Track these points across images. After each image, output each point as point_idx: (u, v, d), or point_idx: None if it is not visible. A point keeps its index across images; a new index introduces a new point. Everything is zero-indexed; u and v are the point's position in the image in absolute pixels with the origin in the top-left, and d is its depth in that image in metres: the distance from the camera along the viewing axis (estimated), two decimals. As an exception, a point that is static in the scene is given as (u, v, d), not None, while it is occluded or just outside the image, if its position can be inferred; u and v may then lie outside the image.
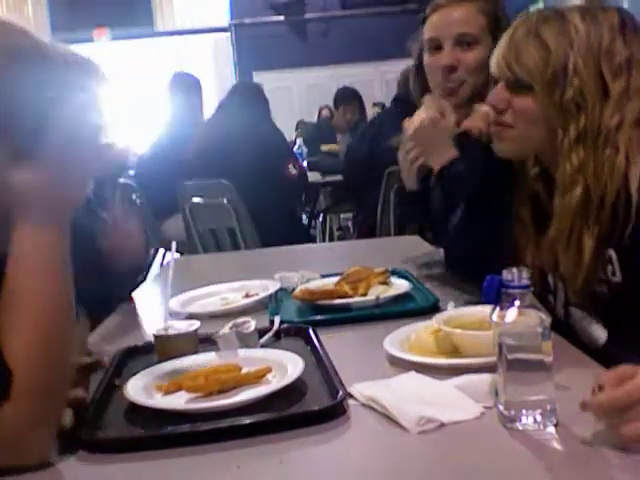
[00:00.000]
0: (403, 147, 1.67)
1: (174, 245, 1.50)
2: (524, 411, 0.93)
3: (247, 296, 1.74)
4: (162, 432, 1.00)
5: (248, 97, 3.81)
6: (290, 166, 3.79)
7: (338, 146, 5.89)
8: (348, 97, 6.09)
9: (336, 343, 1.35)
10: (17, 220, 0.95)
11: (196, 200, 3.68)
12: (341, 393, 1.04)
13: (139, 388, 1.11)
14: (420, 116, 1.63)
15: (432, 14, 1.78)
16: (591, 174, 1.20)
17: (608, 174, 1.19)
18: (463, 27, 1.71)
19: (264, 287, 1.76)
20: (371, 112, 6.92)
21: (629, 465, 0.83)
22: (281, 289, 1.79)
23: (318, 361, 1.20)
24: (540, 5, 6.01)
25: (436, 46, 1.75)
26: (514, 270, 0.94)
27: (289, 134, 5.77)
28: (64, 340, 0.95)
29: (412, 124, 1.63)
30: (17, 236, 0.94)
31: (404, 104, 3.66)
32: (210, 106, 4.31)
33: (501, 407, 0.95)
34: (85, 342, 1.30)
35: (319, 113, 7.82)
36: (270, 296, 1.69)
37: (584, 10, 1.25)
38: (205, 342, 1.33)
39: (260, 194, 3.49)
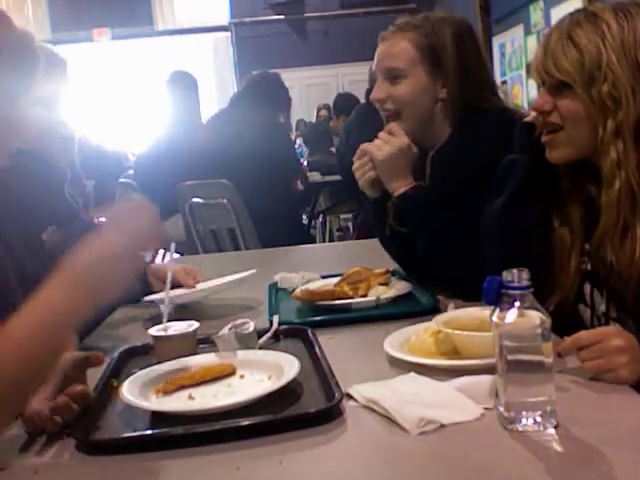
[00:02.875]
0: (358, 159, 1.70)
1: (173, 246, 1.49)
2: (524, 412, 0.93)
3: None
4: (160, 433, 0.99)
5: (263, 95, 3.70)
6: (298, 182, 3.82)
7: (335, 147, 5.89)
8: (350, 109, 6.04)
9: (336, 344, 1.35)
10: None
11: (196, 200, 3.67)
12: (337, 395, 1.03)
13: (136, 389, 1.10)
14: (391, 141, 1.66)
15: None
16: (632, 167, 1.23)
17: None
18: (390, 61, 1.71)
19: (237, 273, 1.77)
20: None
21: (629, 466, 0.83)
22: (281, 289, 1.79)
23: (316, 363, 1.20)
24: (540, 5, 5.99)
25: (375, 80, 1.79)
26: (514, 271, 0.94)
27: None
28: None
29: (381, 147, 1.66)
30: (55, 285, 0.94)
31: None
32: (209, 105, 4.30)
33: (501, 408, 0.95)
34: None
35: (317, 113, 7.82)
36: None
37: (617, 7, 1.27)
38: (204, 343, 1.33)
39: (261, 196, 3.48)
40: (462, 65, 1.67)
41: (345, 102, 6.07)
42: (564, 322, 1.07)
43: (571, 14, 1.32)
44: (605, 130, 1.24)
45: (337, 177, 4.99)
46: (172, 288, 1.70)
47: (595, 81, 1.24)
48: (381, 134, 1.69)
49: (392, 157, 1.65)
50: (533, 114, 1.34)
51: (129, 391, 1.09)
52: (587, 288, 1.34)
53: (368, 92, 3.93)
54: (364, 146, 1.70)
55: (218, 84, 10.27)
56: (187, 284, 1.80)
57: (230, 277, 1.76)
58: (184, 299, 1.70)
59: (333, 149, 5.90)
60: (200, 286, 1.78)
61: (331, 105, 6.69)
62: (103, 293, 0.99)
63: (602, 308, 1.32)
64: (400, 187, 1.66)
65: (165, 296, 1.38)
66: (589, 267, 1.32)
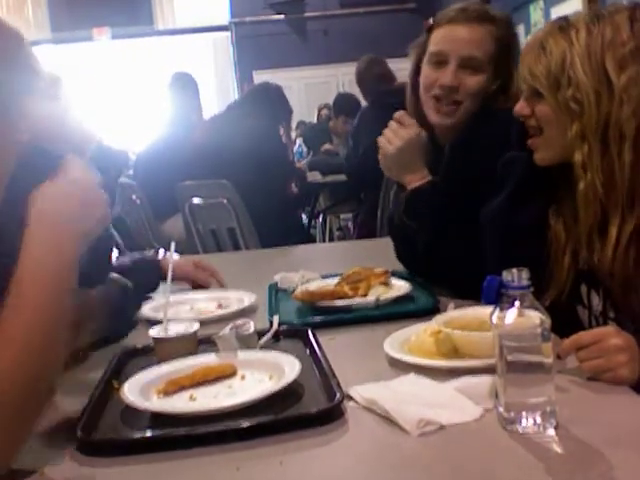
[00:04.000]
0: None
1: (173, 245, 1.49)
2: (524, 413, 0.93)
3: (220, 307, 1.71)
4: (161, 434, 1.00)
5: (262, 105, 3.72)
6: (292, 185, 3.88)
7: (334, 147, 5.88)
8: (351, 110, 6.02)
9: (336, 344, 1.35)
10: (32, 223, 0.94)
11: (196, 200, 3.67)
12: (338, 396, 1.04)
13: (137, 390, 1.11)
14: (399, 134, 1.67)
15: (441, 26, 1.73)
16: (595, 169, 1.24)
17: (618, 167, 1.22)
18: (472, 50, 1.68)
19: (239, 299, 1.72)
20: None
21: (629, 466, 0.83)
22: (281, 290, 1.78)
23: (316, 363, 1.20)
24: (540, 5, 6.00)
25: (440, 61, 1.71)
26: (514, 271, 0.94)
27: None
28: (48, 368, 0.91)
29: (391, 141, 1.67)
30: (27, 245, 0.93)
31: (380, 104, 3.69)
32: (209, 105, 4.30)
33: (501, 409, 0.95)
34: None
35: (319, 113, 7.81)
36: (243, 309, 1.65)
37: (593, 12, 1.29)
38: (204, 343, 1.33)
39: (260, 196, 3.49)
40: (510, 68, 1.66)
41: (345, 102, 6.06)
42: (562, 322, 1.07)
43: (549, 22, 1.35)
44: (571, 133, 1.26)
45: (337, 177, 4.99)
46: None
47: (560, 85, 1.26)
48: (391, 123, 1.69)
49: (401, 151, 1.66)
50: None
51: (130, 392, 1.09)
52: (584, 289, 1.34)
53: (378, 94, 3.93)
54: (378, 140, 1.70)
55: (218, 84, 10.26)
56: (198, 280, 1.87)
57: (228, 309, 1.69)
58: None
59: (330, 147, 5.88)
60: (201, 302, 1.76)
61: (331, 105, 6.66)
62: (82, 225, 0.98)
63: (599, 308, 1.32)
64: (413, 181, 1.66)
65: (165, 297, 1.38)
66: (586, 267, 1.32)
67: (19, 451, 0.89)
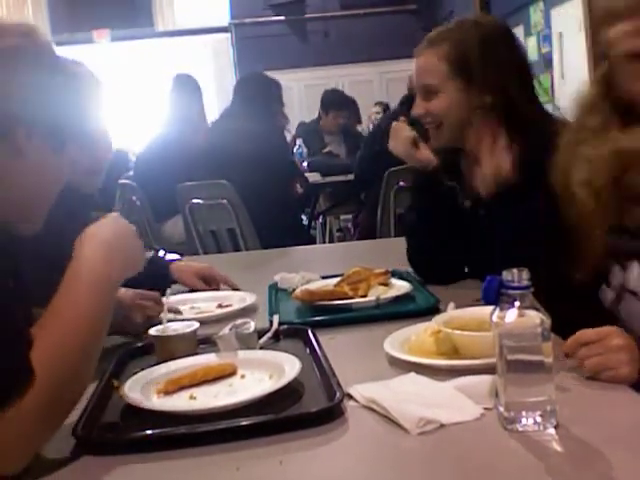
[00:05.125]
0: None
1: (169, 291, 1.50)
2: (524, 412, 0.93)
3: (220, 307, 1.71)
4: (160, 433, 0.99)
5: (253, 96, 3.71)
6: (297, 185, 3.89)
7: (330, 147, 5.85)
8: (340, 104, 6.00)
9: (336, 344, 1.35)
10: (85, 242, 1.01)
11: (196, 201, 3.67)
12: (338, 395, 1.04)
13: (137, 389, 1.11)
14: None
15: None
16: None
17: None
18: (424, 78, 1.73)
19: (241, 298, 1.73)
20: (374, 110, 6.89)
21: (629, 466, 0.83)
22: (281, 290, 1.79)
23: (317, 363, 1.20)
24: (540, 6, 5.99)
25: (414, 95, 1.83)
26: (514, 271, 0.94)
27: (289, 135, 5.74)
28: (87, 364, 0.96)
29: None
30: (83, 257, 0.99)
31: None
32: (209, 106, 4.29)
33: (501, 408, 0.95)
34: None
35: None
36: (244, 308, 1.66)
37: None
38: (205, 343, 1.33)
39: (261, 197, 3.49)
40: (494, 69, 1.66)
41: (332, 97, 6.06)
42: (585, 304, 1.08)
43: None
44: None
45: (337, 178, 4.99)
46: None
47: None
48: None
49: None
50: None
51: (130, 391, 1.09)
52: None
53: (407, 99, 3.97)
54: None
55: (218, 85, 10.25)
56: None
57: (229, 308, 1.69)
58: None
59: (331, 148, 5.87)
60: (201, 303, 1.76)
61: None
62: (130, 260, 1.07)
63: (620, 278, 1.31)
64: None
65: (165, 296, 1.39)
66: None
67: (48, 441, 0.92)
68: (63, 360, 0.91)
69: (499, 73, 1.66)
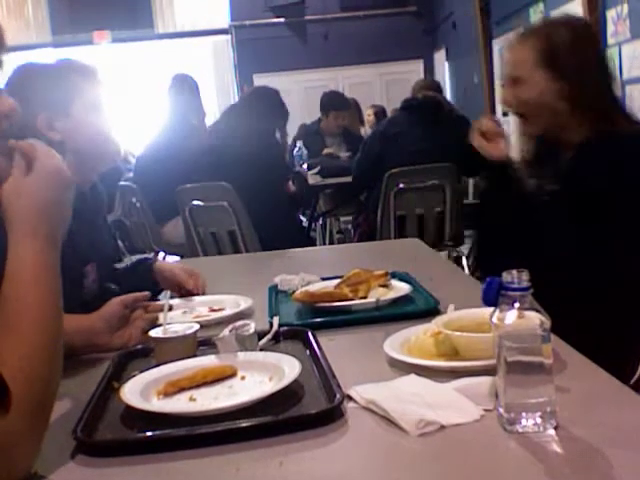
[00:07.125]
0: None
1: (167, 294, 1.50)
2: (524, 414, 0.93)
3: (212, 310, 1.70)
4: (160, 435, 0.99)
5: (260, 108, 3.73)
6: (289, 184, 3.93)
7: (331, 149, 5.86)
8: (339, 104, 6.00)
9: (336, 346, 1.35)
10: (11, 228, 0.96)
11: (196, 203, 3.68)
12: (338, 396, 1.04)
13: (136, 391, 1.11)
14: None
15: None
16: None
17: None
18: (511, 69, 1.88)
19: (235, 302, 1.71)
20: (366, 112, 6.90)
21: (629, 466, 0.83)
22: (281, 292, 1.79)
23: (316, 364, 1.20)
24: (540, 8, 6.00)
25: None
26: (514, 272, 0.94)
27: (289, 136, 5.74)
28: (57, 357, 0.94)
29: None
30: (16, 246, 0.95)
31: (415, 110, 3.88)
32: (210, 108, 4.30)
33: (501, 410, 0.95)
34: None
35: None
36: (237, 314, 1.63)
37: None
38: (204, 345, 1.33)
39: (260, 199, 3.50)
40: (581, 64, 1.78)
41: (331, 98, 6.06)
42: None
43: None
44: None
45: (337, 179, 4.99)
46: (174, 289, 1.73)
47: None
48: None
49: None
50: None
51: (130, 393, 1.09)
52: None
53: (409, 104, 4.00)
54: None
55: (218, 87, 10.28)
56: (187, 285, 1.82)
57: (223, 312, 1.68)
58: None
59: (331, 150, 5.87)
60: (199, 307, 1.75)
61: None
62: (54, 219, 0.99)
63: None
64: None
65: (165, 296, 1.39)
66: None
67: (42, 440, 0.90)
68: (31, 361, 0.89)
69: (584, 67, 1.79)
